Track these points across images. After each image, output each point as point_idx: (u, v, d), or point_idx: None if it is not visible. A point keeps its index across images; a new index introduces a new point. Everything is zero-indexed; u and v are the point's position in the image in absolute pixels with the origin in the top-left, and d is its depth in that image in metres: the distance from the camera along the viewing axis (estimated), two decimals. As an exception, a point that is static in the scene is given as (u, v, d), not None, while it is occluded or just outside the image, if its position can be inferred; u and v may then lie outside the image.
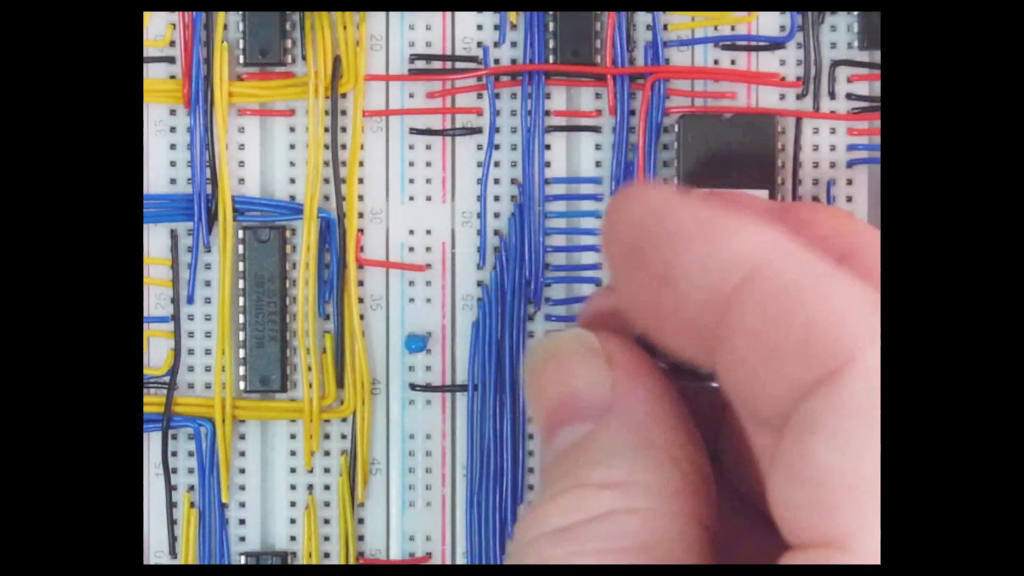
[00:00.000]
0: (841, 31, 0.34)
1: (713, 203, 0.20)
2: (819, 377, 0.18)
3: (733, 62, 0.34)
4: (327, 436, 0.34)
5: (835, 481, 0.17)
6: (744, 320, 0.19)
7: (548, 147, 0.34)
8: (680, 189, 0.21)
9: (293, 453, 0.34)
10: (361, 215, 0.34)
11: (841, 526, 0.17)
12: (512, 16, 0.34)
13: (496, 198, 0.34)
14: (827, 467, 0.18)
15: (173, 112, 0.34)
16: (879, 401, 0.18)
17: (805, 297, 0.18)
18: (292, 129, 0.34)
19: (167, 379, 0.33)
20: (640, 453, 0.20)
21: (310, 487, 0.34)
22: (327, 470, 0.34)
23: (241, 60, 0.33)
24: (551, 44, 0.34)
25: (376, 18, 0.34)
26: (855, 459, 0.17)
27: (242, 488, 0.34)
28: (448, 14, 0.34)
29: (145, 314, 0.34)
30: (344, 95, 0.33)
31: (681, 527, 0.19)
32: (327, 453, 0.34)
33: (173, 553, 0.34)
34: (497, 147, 0.34)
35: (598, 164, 0.34)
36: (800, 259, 0.19)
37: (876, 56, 0.34)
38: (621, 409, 0.21)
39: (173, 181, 0.34)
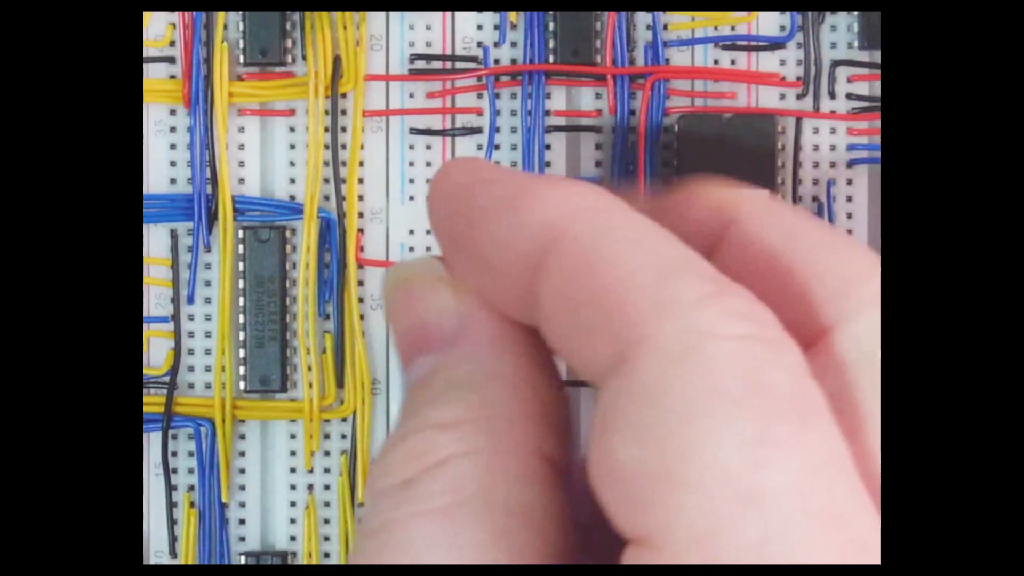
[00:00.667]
0: (841, 31, 0.34)
1: (524, 174, 0.20)
2: (613, 358, 0.17)
3: (733, 62, 0.34)
4: (327, 436, 0.34)
5: (636, 476, 0.17)
6: (551, 290, 0.18)
7: (548, 147, 0.34)
8: (495, 164, 0.20)
9: (293, 453, 0.34)
10: (361, 215, 0.34)
11: (648, 524, 0.17)
12: (512, 16, 0.34)
13: (496, 198, 0.34)
14: (627, 462, 0.17)
15: (173, 112, 0.34)
16: (677, 378, 0.17)
17: (600, 266, 0.18)
18: (292, 129, 0.34)
19: (167, 379, 0.33)
20: (480, 386, 0.20)
21: (310, 487, 0.34)
22: (327, 470, 0.34)
23: (241, 60, 0.33)
24: (551, 44, 0.34)
25: (376, 18, 0.34)
26: (653, 450, 0.17)
27: (242, 488, 0.34)
28: (448, 14, 0.34)
29: (145, 314, 0.34)
30: (344, 95, 0.33)
31: (522, 464, 0.19)
32: (327, 453, 0.34)
33: (173, 553, 0.34)
34: (497, 147, 0.34)
35: (598, 164, 0.34)
36: (603, 222, 0.18)
37: (876, 56, 0.34)
38: (466, 339, 0.20)
39: (173, 181, 0.34)
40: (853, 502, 0.17)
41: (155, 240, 0.34)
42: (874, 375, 0.18)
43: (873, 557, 0.16)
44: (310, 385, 0.33)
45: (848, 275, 0.20)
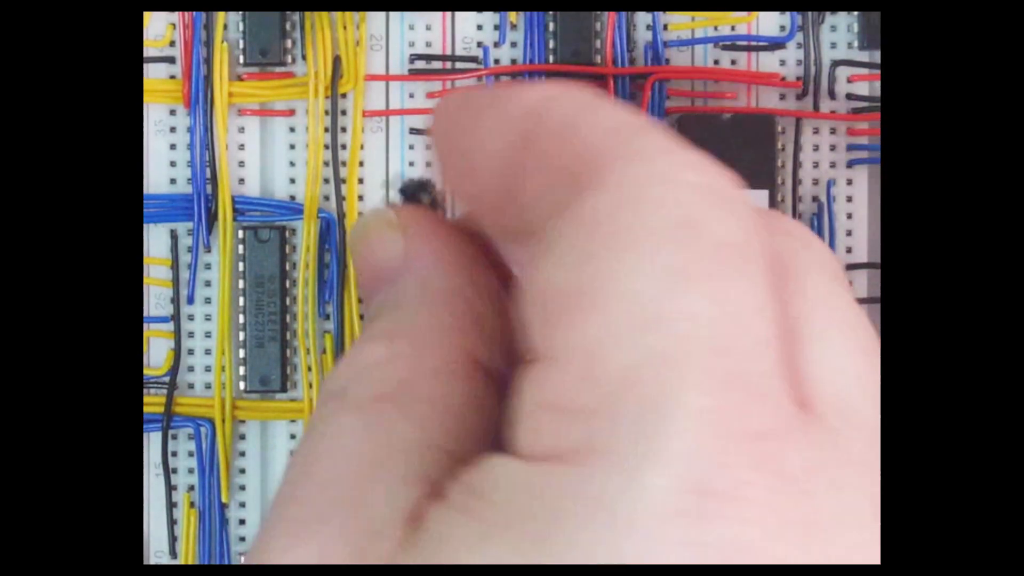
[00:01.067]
0: (841, 31, 0.34)
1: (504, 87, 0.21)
2: (569, 198, 0.18)
3: (733, 62, 0.34)
4: (327, 436, 0.34)
5: (556, 296, 0.17)
6: (529, 163, 0.19)
7: (548, 147, 0.34)
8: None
9: (293, 453, 0.34)
10: (361, 215, 0.34)
11: (554, 339, 0.17)
12: (512, 16, 0.34)
13: (496, 198, 0.34)
14: (552, 282, 0.18)
15: (173, 112, 0.34)
16: (618, 211, 0.17)
17: (573, 130, 0.19)
18: (292, 129, 0.34)
19: (167, 379, 0.33)
20: (412, 303, 0.21)
21: (310, 487, 0.34)
22: (327, 470, 0.34)
23: (241, 60, 0.33)
24: (551, 44, 0.34)
25: (376, 18, 0.34)
26: (576, 272, 0.17)
27: (242, 488, 0.34)
28: (448, 14, 0.34)
29: (145, 314, 0.34)
30: (344, 95, 0.33)
31: (445, 361, 0.20)
32: (327, 453, 0.34)
33: (173, 553, 0.34)
34: (497, 147, 0.34)
35: (598, 164, 0.34)
36: (579, 98, 0.20)
37: (876, 56, 0.34)
38: (410, 269, 0.22)
39: (173, 181, 0.34)
40: (756, 351, 0.17)
41: (155, 240, 0.34)
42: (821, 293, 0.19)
43: (758, 408, 0.17)
44: (310, 385, 0.33)
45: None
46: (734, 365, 0.16)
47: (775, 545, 0.16)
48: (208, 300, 0.34)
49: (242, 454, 0.34)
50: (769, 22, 0.34)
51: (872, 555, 0.16)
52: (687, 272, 0.17)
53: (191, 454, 0.34)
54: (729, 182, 0.18)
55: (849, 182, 0.34)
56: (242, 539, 0.34)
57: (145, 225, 0.34)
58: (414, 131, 0.34)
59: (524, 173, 0.19)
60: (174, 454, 0.34)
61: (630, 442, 0.16)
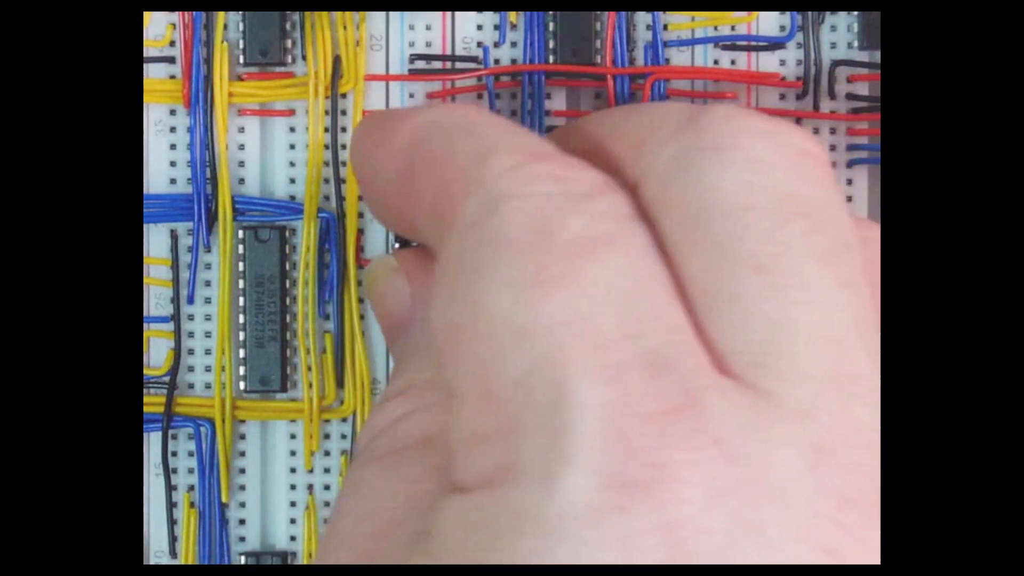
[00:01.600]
0: (841, 31, 0.34)
1: (405, 109, 0.22)
2: (442, 234, 0.19)
3: (733, 62, 0.34)
4: (327, 436, 0.34)
5: (442, 335, 0.19)
6: (411, 195, 0.21)
7: (548, 147, 0.34)
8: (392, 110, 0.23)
9: (293, 453, 0.34)
10: (361, 215, 0.34)
11: (449, 375, 0.19)
12: (512, 16, 0.34)
13: (496, 198, 0.34)
14: (437, 326, 0.19)
15: (173, 112, 0.34)
16: (471, 240, 0.18)
17: (437, 164, 0.20)
18: (292, 129, 0.34)
19: (167, 379, 0.33)
20: (425, 352, 0.22)
21: (310, 487, 0.34)
22: (327, 470, 0.34)
23: (241, 60, 0.33)
24: (551, 44, 0.34)
25: (376, 18, 0.34)
26: (452, 308, 0.18)
27: (242, 488, 0.34)
28: (448, 14, 0.34)
29: (145, 314, 0.34)
30: (344, 95, 0.33)
31: None
32: (327, 453, 0.34)
33: (173, 553, 0.34)
34: (497, 147, 0.34)
35: (598, 164, 0.34)
36: (448, 124, 0.21)
37: (876, 56, 0.34)
38: (413, 318, 0.23)
39: (173, 181, 0.34)
40: (640, 332, 0.17)
41: (155, 240, 0.34)
42: (679, 204, 0.19)
43: (660, 385, 0.17)
44: (310, 385, 0.33)
45: (643, 131, 0.20)
46: (617, 353, 0.17)
47: (711, 517, 0.16)
48: (208, 300, 0.34)
49: (242, 454, 0.34)
50: (769, 22, 0.34)
51: (821, 509, 0.16)
52: (543, 278, 0.17)
53: (191, 454, 0.34)
54: (584, 178, 0.18)
55: (849, 182, 0.34)
56: (242, 539, 0.34)
57: (145, 225, 0.34)
58: (414, 131, 0.34)
59: (410, 202, 0.20)
60: (174, 454, 0.34)
61: (539, 451, 0.16)
